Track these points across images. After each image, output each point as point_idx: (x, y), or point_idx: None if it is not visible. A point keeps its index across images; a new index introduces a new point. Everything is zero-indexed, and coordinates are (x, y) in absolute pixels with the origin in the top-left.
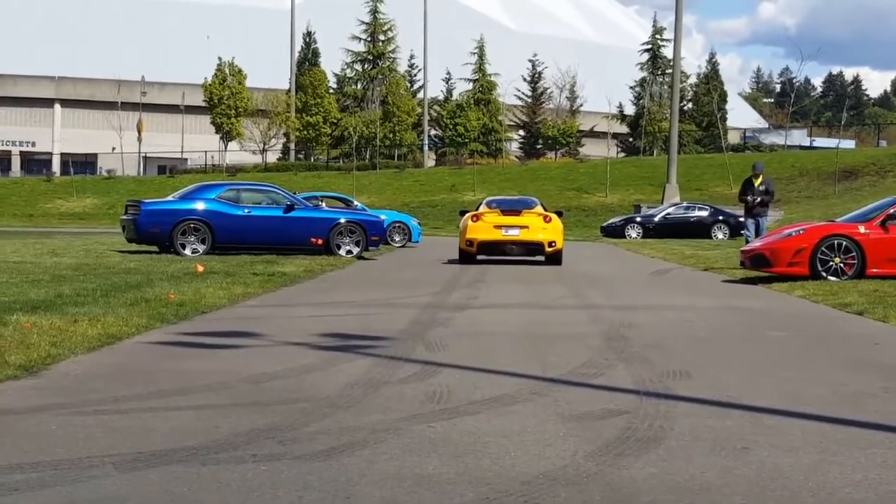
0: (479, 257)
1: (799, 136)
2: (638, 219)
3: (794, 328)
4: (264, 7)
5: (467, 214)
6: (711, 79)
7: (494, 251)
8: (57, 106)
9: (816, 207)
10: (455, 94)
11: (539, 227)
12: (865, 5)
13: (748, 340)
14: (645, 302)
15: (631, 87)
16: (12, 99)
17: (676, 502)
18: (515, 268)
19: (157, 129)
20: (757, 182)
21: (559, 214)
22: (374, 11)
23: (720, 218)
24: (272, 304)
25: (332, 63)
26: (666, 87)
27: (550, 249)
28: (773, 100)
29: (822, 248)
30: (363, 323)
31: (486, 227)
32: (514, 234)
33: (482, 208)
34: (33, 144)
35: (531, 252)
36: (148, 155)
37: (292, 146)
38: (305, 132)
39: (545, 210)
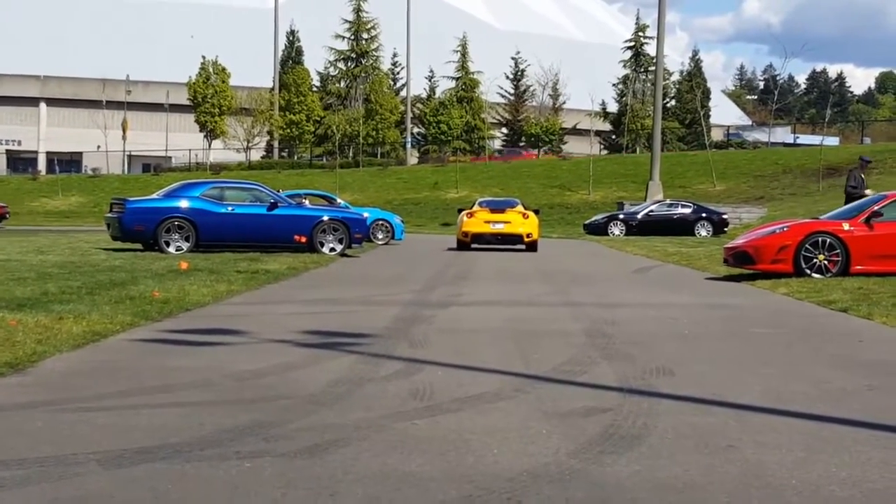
0: (473, 245)
1: (782, 134)
2: (621, 216)
3: (777, 325)
4: (248, 6)
5: (464, 212)
6: (695, 76)
7: (484, 241)
8: (42, 104)
9: (800, 204)
10: (438, 92)
11: (519, 222)
12: (850, 2)
13: (732, 338)
14: (628, 299)
15: (614, 85)
16: None
17: (660, 500)
18: (499, 265)
19: (141, 128)
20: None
21: (536, 212)
22: (358, 10)
23: (703, 215)
24: (256, 302)
25: (316, 61)
26: (649, 84)
27: (528, 240)
28: (756, 97)
29: (807, 246)
30: (347, 320)
31: (478, 222)
32: (499, 227)
33: (475, 207)
34: (19, 143)
35: (512, 242)
36: (133, 153)
37: (276, 144)
38: (289, 130)
39: (525, 208)
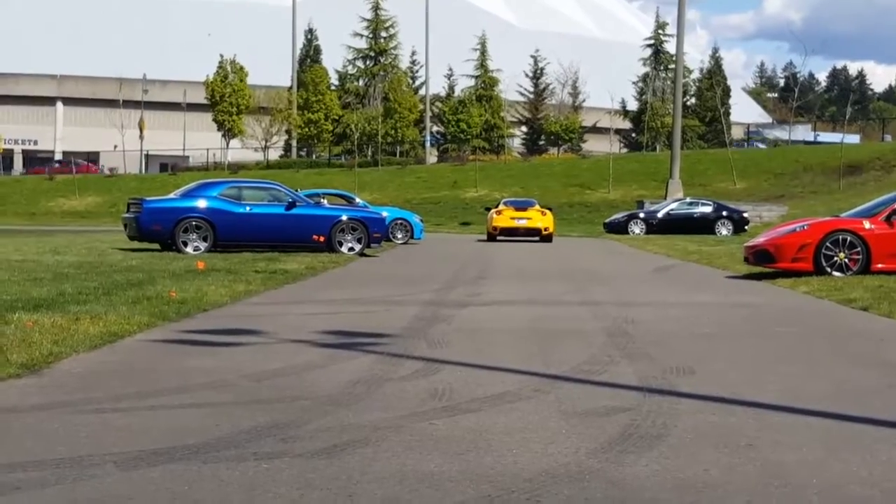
0: (499, 238)
1: (803, 131)
2: (641, 215)
3: (798, 324)
4: (265, 4)
5: (492, 210)
6: (715, 74)
7: (509, 234)
8: (59, 104)
9: (821, 202)
10: (457, 91)
11: (538, 218)
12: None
13: (752, 336)
14: (648, 298)
15: (634, 83)
16: (14, 97)
17: (680, 500)
18: (518, 264)
19: (158, 127)
20: None
21: (550, 210)
22: (376, 8)
23: (724, 214)
24: (274, 302)
25: (334, 60)
26: (669, 82)
27: (545, 233)
28: (776, 95)
29: (827, 244)
30: (365, 320)
31: (505, 218)
32: (522, 223)
33: (501, 206)
34: (35, 143)
35: (533, 234)
36: (150, 153)
37: (294, 143)
38: (307, 129)
39: (542, 207)
